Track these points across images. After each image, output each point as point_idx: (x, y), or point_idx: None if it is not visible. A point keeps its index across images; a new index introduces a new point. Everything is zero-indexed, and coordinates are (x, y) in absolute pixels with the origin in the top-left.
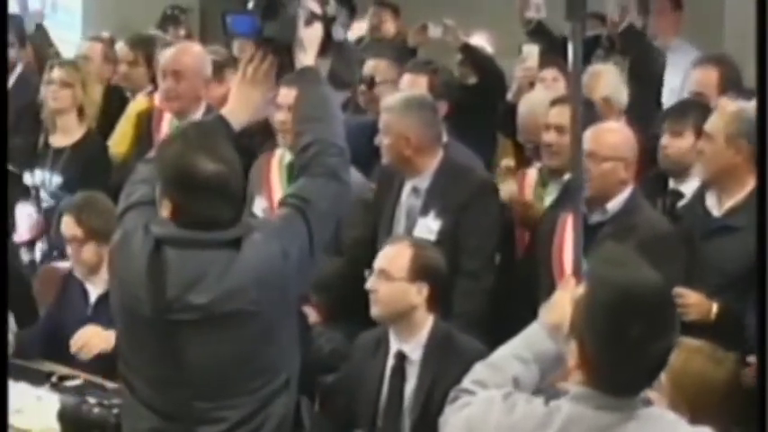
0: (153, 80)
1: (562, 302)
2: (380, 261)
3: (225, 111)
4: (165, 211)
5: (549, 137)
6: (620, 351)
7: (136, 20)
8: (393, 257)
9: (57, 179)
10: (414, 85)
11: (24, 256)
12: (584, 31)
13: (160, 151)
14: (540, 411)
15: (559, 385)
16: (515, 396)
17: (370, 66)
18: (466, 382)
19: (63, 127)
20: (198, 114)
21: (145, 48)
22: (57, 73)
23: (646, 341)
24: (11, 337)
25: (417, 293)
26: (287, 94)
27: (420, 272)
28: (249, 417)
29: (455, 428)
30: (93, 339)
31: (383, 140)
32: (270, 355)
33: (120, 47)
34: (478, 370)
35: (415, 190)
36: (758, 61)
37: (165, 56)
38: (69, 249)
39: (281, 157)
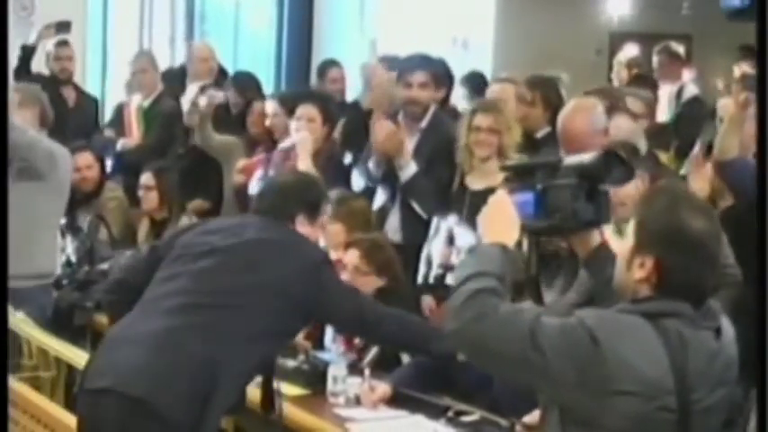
0: (550, 121)
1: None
2: None
3: None
4: (640, 272)
5: None
6: None
7: (543, 60)
8: None
9: (471, 222)
10: None
11: None
12: None
13: (646, 205)
14: None
15: None
16: None
17: None
18: None
19: (483, 170)
20: None
21: (543, 89)
22: (482, 119)
23: None
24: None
25: None
26: None
27: None
28: None
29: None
30: None
31: None
32: None
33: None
34: None
35: None
36: (758, 61)
37: (560, 116)
38: None
39: None
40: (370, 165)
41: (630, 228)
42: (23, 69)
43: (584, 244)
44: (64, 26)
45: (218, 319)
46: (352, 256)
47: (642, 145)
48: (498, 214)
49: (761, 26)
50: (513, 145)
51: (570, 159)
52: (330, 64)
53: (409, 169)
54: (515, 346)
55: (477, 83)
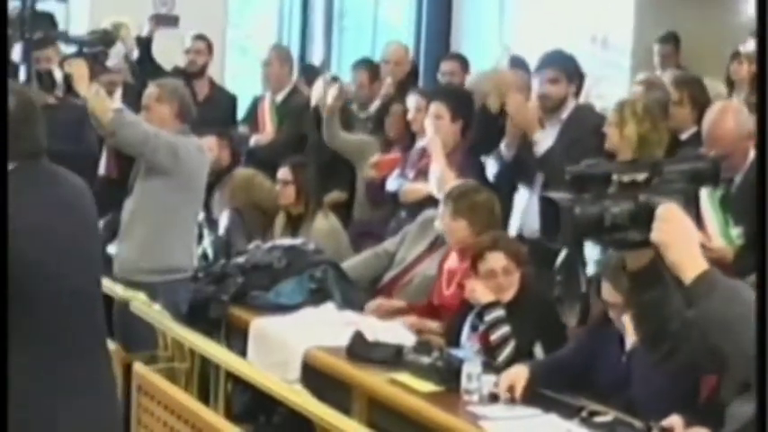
0: (696, 121)
1: None
2: None
3: None
4: None
5: None
6: None
7: (683, 60)
8: None
9: None
10: None
11: None
12: None
13: None
14: None
15: None
16: None
17: None
18: None
19: None
20: (739, 175)
21: (690, 88)
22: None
23: None
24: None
25: None
26: None
27: None
28: None
29: None
30: None
31: None
32: None
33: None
34: None
35: None
36: (758, 60)
37: (707, 117)
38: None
39: None
40: (502, 146)
41: None
42: (146, 59)
43: (642, 257)
44: (166, 19)
45: None
46: (497, 259)
47: None
48: (690, 235)
49: (761, 26)
50: (627, 144)
51: (678, 161)
52: (447, 56)
53: (545, 142)
54: None
55: None
